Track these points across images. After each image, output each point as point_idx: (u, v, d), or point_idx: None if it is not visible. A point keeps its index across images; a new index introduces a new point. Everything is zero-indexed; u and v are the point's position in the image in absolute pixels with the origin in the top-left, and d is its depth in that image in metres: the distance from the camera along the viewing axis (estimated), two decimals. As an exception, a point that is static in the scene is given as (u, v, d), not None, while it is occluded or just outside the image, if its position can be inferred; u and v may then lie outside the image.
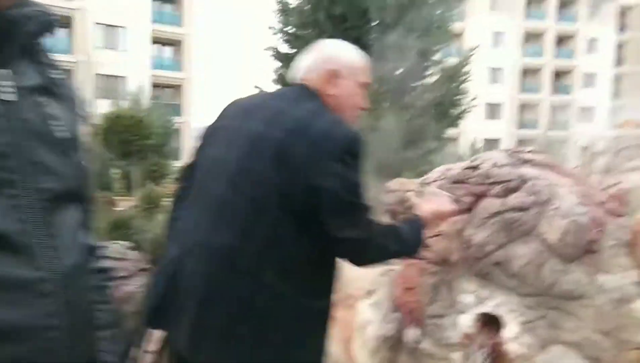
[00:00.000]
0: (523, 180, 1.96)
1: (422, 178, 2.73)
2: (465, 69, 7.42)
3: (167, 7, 25.77)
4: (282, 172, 1.08)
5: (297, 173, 1.07)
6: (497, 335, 1.86)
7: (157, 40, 24.83)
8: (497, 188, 2.00)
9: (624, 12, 34.09)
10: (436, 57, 7.81)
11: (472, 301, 1.96)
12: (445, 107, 7.47)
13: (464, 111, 7.68)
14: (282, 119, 1.15)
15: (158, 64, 24.80)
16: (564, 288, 1.77)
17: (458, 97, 7.50)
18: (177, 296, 1.14)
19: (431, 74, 7.98)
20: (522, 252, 1.86)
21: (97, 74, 22.67)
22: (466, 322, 1.94)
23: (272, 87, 8.30)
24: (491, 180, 2.02)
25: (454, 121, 7.86)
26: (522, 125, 31.93)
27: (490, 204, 1.99)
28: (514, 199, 1.93)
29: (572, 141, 30.97)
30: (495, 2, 30.99)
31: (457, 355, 1.96)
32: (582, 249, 1.78)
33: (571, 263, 1.79)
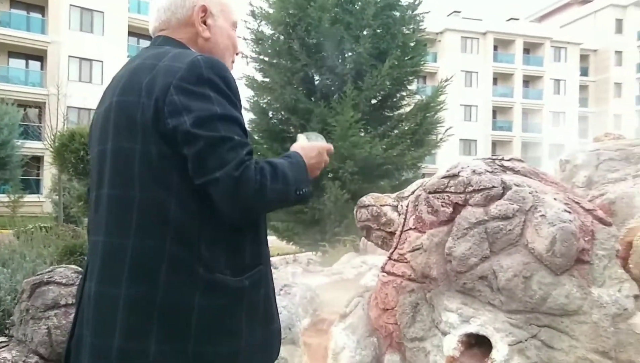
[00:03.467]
0: (505, 187, 1.82)
1: (398, 192, 2.58)
2: (440, 99, 7.49)
3: (144, 42, 25.95)
4: (137, 132, 0.92)
5: (147, 123, 0.91)
6: (485, 358, 1.66)
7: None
8: (477, 197, 1.85)
9: (586, 57, 35.99)
10: (411, 87, 7.88)
11: (455, 320, 1.77)
12: (421, 136, 7.47)
13: (439, 141, 7.69)
14: (125, 82, 0.99)
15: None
16: (556, 303, 1.60)
17: (433, 125, 7.52)
18: (80, 327, 0.96)
19: (406, 104, 8.02)
20: (507, 264, 1.70)
21: (68, 107, 22.28)
22: (450, 344, 1.74)
23: (246, 115, 8.19)
24: (471, 188, 1.87)
25: (429, 150, 7.85)
26: (495, 161, 32.67)
27: (471, 213, 1.83)
28: (496, 207, 1.78)
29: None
30: (465, 45, 32.32)
31: (440, 383, 1.75)
32: (573, 259, 1.63)
33: (562, 275, 1.63)
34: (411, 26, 7.69)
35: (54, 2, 22.57)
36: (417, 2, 7.45)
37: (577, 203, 1.80)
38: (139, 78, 0.97)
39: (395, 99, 7.79)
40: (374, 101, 7.66)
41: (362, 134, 7.12)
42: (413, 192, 2.36)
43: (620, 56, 35.41)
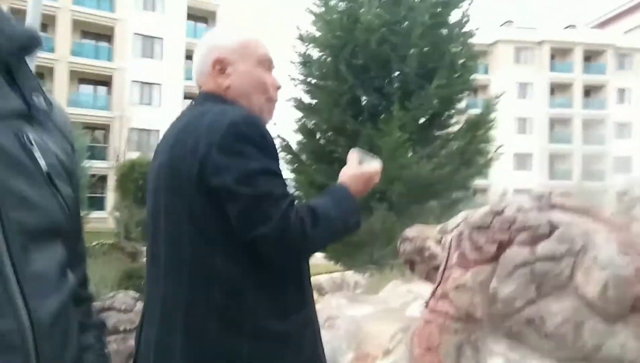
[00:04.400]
0: (553, 226, 1.75)
1: (442, 224, 2.54)
2: (491, 116, 7.29)
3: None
4: (184, 190, 0.98)
5: (193, 182, 0.97)
6: (532, 407, 1.60)
7: (189, 96, 26.00)
8: (523, 236, 1.79)
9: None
10: (460, 105, 7.75)
11: (501, 365, 1.71)
12: (470, 156, 7.29)
13: (490, 160, 7.47)
14: (173, 141, 1.06)
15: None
16: (610, 354, 1.52)
17: (483, 145, 7.33)
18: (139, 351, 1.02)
19: (455, 123, 7.89)
20: (556, 309, 1.63)
21: (130, 128, 23.65)
22: (495, 390, 1.69)
23: (294, 137, 8.32)
24: (516, 226, 1.82)
25: (480, 170, 7.65)
26: (553, 175, 31.12)
27: (516, 253, 1.78)
28: (543, 247, 1.72)
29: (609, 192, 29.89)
30: (519, 56, 31.26)
31: None
32: (628, 306, 1.54)
33: (616, 323, 1.54)
34: (460, 44, 7.58)
35: (120, 31, 24.22)
36: (464, 20, 7.36)
37: (632, 243, 1.70)
38: (185, 138, 1.05)
39: (443, 118, 7.68)
40: (422, 120, 7.59)
41: (410, 154, 7.05)
42: (457, 225, 2.32)
43: None
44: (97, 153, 21.66)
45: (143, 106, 24.82)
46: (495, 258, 1.87)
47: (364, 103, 7.60)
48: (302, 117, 7.95)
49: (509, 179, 29.09)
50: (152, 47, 25.77)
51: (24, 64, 0.62)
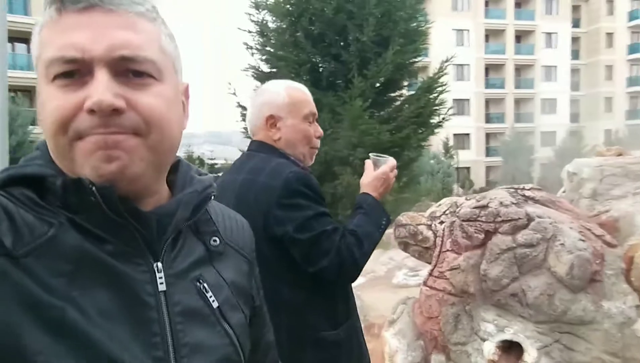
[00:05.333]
0: (529, 218, 2.20)
1: (431, 210, 2.96)
2: (443, 80, 7.75)
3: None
4: None
5: (259, 230, 1.12)
6: (519, 360, 2.10)
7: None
8: (505, 226, 2.23)
9: (577, 7, 35.63)
10: (413, 70, 8.10)
11: (492, 329, 2.19)
12: (425, 119, 7.77)
13: (443, 120, 8.00)
14: (235, 200, 1.27)
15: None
16: (574, 315, 2.02)
17: (437, 108, 7.81)
18: None
19: (409, 85, 8.28)
20: (534, 284, 2.10)
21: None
22: (490, 349, 2.17)
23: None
24: (500, 219, 2.25)
25: (433, 131, 8.17)
26: (488, 119, 32.97)
27: (501, 241, 2.22)
28: (522, 236, 2.17)
29: (537, 132, 32.26)
30: (456, 3, 31.89)
31: (482, 379, 2.19)
32: (587, 280, 2.04)
33: (578, 293, 2.04)
34: (410, 9, 7.82)
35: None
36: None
37: (588, 229, 2.19)
38: (246, 193, 1.34)
39: (398, 83, 8.02)
40: (377, 85, 7.89)
41: (371, 120, 7.39)
42: (444, 213, 2.74)
43: (611, 5, 35.10)
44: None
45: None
46: (483, 244, 2.31)
47: (322, 72, 7.77)
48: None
49: (449, 124, 30.67)
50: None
51: (205, 212, 0.68)
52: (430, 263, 2.72)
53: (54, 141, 0.54)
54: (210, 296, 0.62)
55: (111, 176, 0.53)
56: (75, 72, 0.53)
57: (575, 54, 35.56)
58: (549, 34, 33.72)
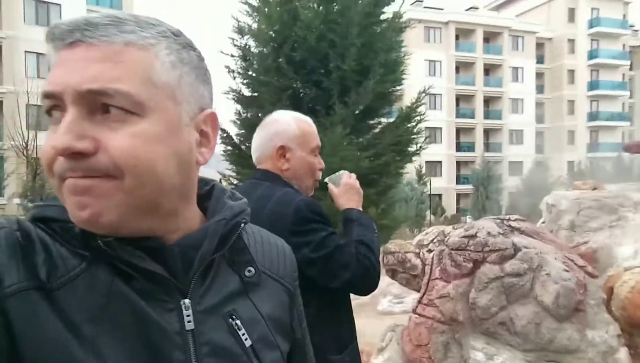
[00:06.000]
0: (516, 248, 2.29)
1: (418, 238, 3.03)
2: (420, 110, 7.99)
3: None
4: None
5: None
6: (507, 388, 2.15)
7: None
8: (493, 256, 2.31)
9: (541, 45, 37.56)
10: (392, 98, 8.32)
11: (482, 357, 2.24)
12: (403, 146, 7.95)
13: (420, 149, 8.21)
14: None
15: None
16: (560, 344, 2.10)
17: (414, 136, 8.02)
18: None
19: (388, 114, 8.49)
20: (521, 313, 2.18)
21: (28, 105, 21.54)
22: (479, 377, 2.22)
23: (232, 128, 8.45)
24: (488, 249, 2.33)
25: (410, 158, 8.37)
26: (459, 148, 33.93)
27: (489, 270, 2.30)
28: (510, 266, 2.25)
29: (505, 162, 33.36)
30: (429, 36, 33.12)
31: (471, 407, 2.22)
32: (572, 309, 2.12)
33: (564, 322, 2.12)
34: (390, 40, 8.07)
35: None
36: (397, 19, 7.87)
37: (571, 260, 2.29)
38: (255, 222, 1.38)
39: (377, 111, 8.22)
40: (357, 112, 8.05)
41: (350, 146, 7.51)
42: (432, 241, 2.81)
43: (573, 44, 37.15)
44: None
45: (42, 80, 22.67)
46: (471, 273, 2.38)
47: (303, 97, 7.89)
48: (244, 110, 8.06)
49: (422, 151, 31.43)
50: (47, 13, 23.37)
51: (238, 240, 0.64)
52: (417, 291, 2.77)
53: (50, 181, 0.55)
54: (243, 334, 0.59)
55: (85, 225, 0.52)
56: (55, 107, 0.52)
57: (540, 89, 37.30)
58: (515, 68, 35.34)
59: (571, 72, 37.13)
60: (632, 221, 2.54)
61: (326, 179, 1.65)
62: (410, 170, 16.78)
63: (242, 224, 0.64)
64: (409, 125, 7.92)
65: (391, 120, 8.10)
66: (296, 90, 7.76)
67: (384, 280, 4.15)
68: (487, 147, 34.15)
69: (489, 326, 2.25)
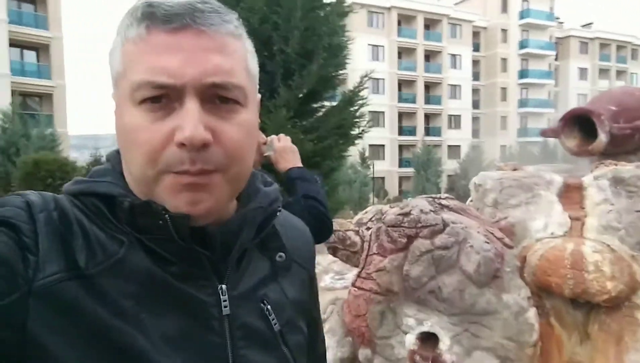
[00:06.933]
0: (445, 224, 2.51)
1: (358, 217, 3.20)
2: (363, 94, 8.20)
3: (28, 8, 23.45)
4: None
5: None
6: (435, 348, 2.38)
7: (15, 44, 22.38)
8: (425, 231, 2.53)
9: (477, 34, 39.18)
10: (335, 82, 8.47)
11: (413, 323, 2.46)
12: (346, 130, 8.14)
13: (362, 132, 8.44)
14: None
15: (18, 70, 22.42)
16: (480, 307, 2.35)
17: (357, 120, 8.23)
18: None
19: (331, 98, 8.64)
20: (448, 282, 2.41)
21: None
22: (410, 340, 2.44)
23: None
24: (420, 225, 2.54)
25: (353, 141, 8.58)
26: (402, 132, 34.96)
27: (421, 244, 2.51)
28: (439, 240, 2.47)
29: (444, 146, 34.82)
30: (372, 20, 33.54)
31: (404, 368, 2.45)
32: (491, 276, 2.38)
33: (483, 288, 2.38)
34: (333, 24, 8.15)
35: None
36: (341, 3, 7.97)
37: (492, 233, 2.55)
38: None
39: (320, 95, 8.33)
40: (300, 96, 8.13)
41: (294, 130, 7.59)
42: (370, 220, 3.00)
43: (505, 34, 39.02)
44: None
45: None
46: (405, 247, 2.58)
47: (248, 80, 7.84)
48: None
49: (365, 135, 32.09)
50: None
51: (271, 226, 0.64)
52: (357, 267, 2.95)
53: (141, 171, 0.52)
54: (273, 319, 0.60)
55: (192, 217, 0.52)
56: (163, 96, 0.50)
57: (476, 76, 39.04)
58: (454, 55, 36.71)
59: (504, 60, 39.12)
60: (544, 198, 2.85)
61: (263, 152, 1.74)
62: (353, 153, 17.16)
63: (278, 213, 0.64)
64: (352, 109, 8.10)
65: (334, 103, 8.25)
66: (240, 72, 7.70)
67: (326, 259, 4.32)
68: (428, 131, 35.42)
69: (420, 295, 2.47)
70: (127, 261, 0.52)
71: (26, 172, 3.87)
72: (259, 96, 0.62)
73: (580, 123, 3.49)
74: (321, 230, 1.50)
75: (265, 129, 7.39)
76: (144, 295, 0.51)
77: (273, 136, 1.75)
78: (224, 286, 0.57)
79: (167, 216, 0.51)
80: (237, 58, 0.54)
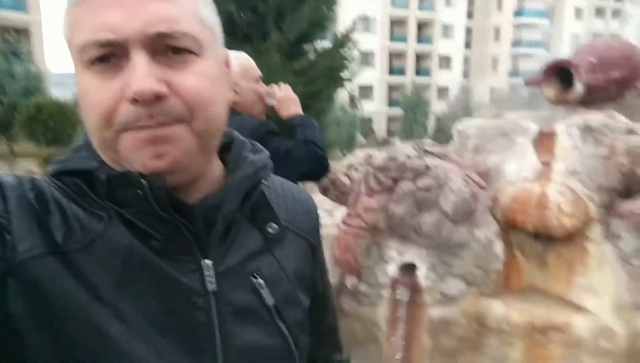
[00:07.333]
0: (427, 168, 2.78)
1: (347, 161, 3.45)
2: (353, 36, 8.19)
3: None
4: None
5: None
6: (413, 275, 2.73)
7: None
8: (409, 174, 2.79)
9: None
10: (326, 25, 8.40)
11: (395, 255, 2.79)
12: (337, 73, 8.21)
13: (354, 74, 8.51)
14: None
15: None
16: (455, 241, 2.67)
17: (347, 63, 8.27)
18: None
19: (322, 39, 8.61)
20: (428, 220, 2.71)
21: None
22: (392, 269, 2.78)
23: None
24: (406, 168, 2.81)
25: (342, 84, 8.68)
26: (392, 72, 34.55)
27: (405, 186, 2.78)
28: (422, 182, 2.75)
29: (434, 87, 34.62)
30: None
31: (386, 293, 2.80)
32: (465, 214, 2.69)
33: (458, 224, 2.69)
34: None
35: None
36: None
37: (469, 176, 2.83)
38: None
39: (312, 38, 8.30)
40: (292, 38, 8.09)
41: (286, 72, 7.65)
42: (360, 163, 3.25)
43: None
44: None
45: None
46: (391, 189, 2.85)
47: (239, 22, 7.76)
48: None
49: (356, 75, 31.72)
50: None
51: (260, 196, 0.61)
52: (346, 206, 3.24)
53: (98, 134, 0.51)
54: (266, 293, 0.58)
55: (160, 173, 0.50)
56: (111, 55, 0.49)
57: (470, 14, 38.07)
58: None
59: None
60: (519, 144, 3.11)
61: (267, 103, 1.94)
62: (342, 94, 17.09)
63: (264, 181, 0.61)
64: (342, 52, 8.12)
65: (326, 44, 8.25)
66: (231, 14, 7.58)
67: (317, 198, 4.63)
68: (418, 72, 35.04)
69: (403, 231, 2.78)
70: (106, 236, 0.51)
71: (29, 116, 3.90)
72: (226, 51, 0.61)
73: (561, 74, 3.69)
74: (319, 171, 1.73)
75: (256, 71, 7.45)
76: (124, 272, 0.50)
77: (274, 86, 1.94)
78: (208, 261, 0.55)
79: (144, 181, 0.49)
80: (184, 5, 0.51)
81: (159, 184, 0.50)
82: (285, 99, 1.84)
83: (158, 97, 0.48)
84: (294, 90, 7.26)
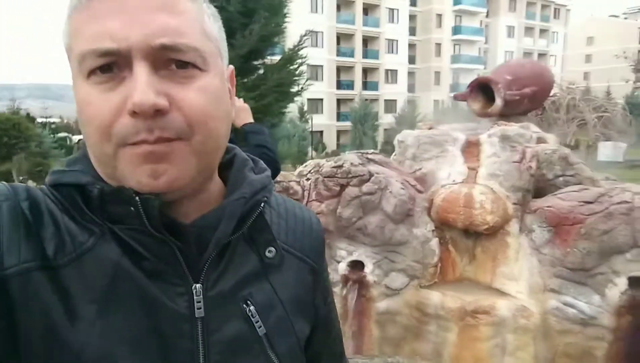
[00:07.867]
0: (370, 175, 3.10)
1: (299, 170, 3.73)
2: (302, 53, 8.53)
3: None
4: None
5: None
6: (361, 272, 3.03)
7: None
8: (355, 180, 3.11)
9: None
10: (275, 40, 8.70)
11: (344, 254, 3.08)
12: (286, 87, 8.51)
13: (301, 90, 8.84)
14: None
15: None
16: (396, 239, 3.00)
17: (296, 78, 8.60)
18: None
19: (271, 54, 8.90)
20: (372, 221, 3.03)
21: None
22: (342, 267, 3.07)
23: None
24: (351, 175, 3.12)
25: (292, 98, 8.99)
26: (340, 86, 35.45)
27: (351, 191, 3.09)
28: (366, 187, 3.07)
29: (381, 100, 35.85)
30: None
31: (337, 289, 3.08)
32: (405, 215, 3.03)
33: (399, 224, 3.03)
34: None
35: None
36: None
37: (407, 181, 3.18)
38: None
39: (262, 53, 8.57)
40: (242, 54, 8.32)
41: (237, 87, 7.87)
42: (310, 172, 3.54)
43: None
44: None
45: None
46: (339, 194, 3.15)
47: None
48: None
49: (303, 92, 32.19)
50: None
51: (259, 218, 0.58)
52: (299, 212, 3.50)
53: (97, 149, 0.49)
54: (257, 321, 0.55)
55: (156, 192, 0.48)
56: (112, 65, 0.47)
57: (412, 31, 39.87)
58: (391, 9, 37.10)
59: (439, 16, 40.16)
60: (450, 152, 3.52)
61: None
62: (292, 108, 17.44)
63: (262, 204, 0.58)
64: (291, 67, 8.43)
65: (275, 58, 8.53)
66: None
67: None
68: (365, 86, 36.16)
69: (350, 231, 3.08)
70: (96, 252, 0.49)
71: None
72: (231, 67, 0.60)
73: (484, 90, 4.17)
74: (272, 172, 1.97)
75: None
76: (110, 289, 0.48)
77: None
78: (198, 286, 0.52)
79: (137, 198, 0.48)
80: (189, 18, 0.50)
81: (152, 202, 0.48)
82: (239, 109, 2.07)
83: (158, 111, 0.46)
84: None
